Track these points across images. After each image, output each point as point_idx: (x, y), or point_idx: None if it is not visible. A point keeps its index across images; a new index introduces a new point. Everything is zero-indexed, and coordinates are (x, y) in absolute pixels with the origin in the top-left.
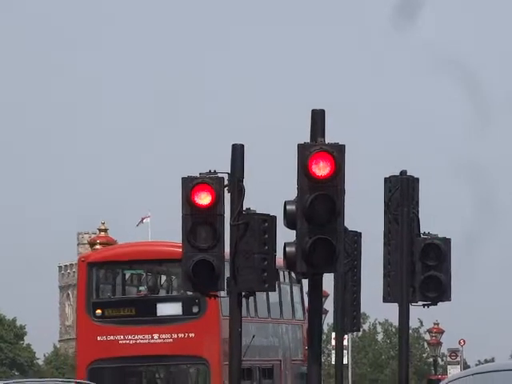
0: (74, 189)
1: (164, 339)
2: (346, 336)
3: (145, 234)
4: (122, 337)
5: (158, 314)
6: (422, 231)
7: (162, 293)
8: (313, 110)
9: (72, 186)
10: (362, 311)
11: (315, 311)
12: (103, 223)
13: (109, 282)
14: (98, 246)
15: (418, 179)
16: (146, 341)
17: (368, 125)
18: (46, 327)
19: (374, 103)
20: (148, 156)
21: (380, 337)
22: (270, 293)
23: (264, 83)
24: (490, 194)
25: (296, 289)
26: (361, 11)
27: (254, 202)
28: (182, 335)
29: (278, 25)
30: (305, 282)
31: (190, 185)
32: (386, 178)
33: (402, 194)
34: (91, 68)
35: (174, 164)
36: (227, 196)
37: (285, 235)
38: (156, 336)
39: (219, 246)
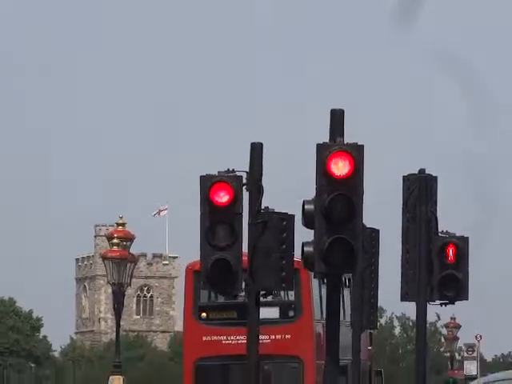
0: (91, 181)
1: (263, 340)
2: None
3: (162, 228)
4: (224, 337)
5: None
6: (439, 230)
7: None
8: (332, 110)
9: (90, 179)
10: (379, 305)
11: (334, 310)
12: (121, 217)
13: (205, 288)
14: (115, 240)
15: (436, 178)
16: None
17: (387, 124)
18: (62, 319)
19: (392, 102)
20: (168, 153)
21: (397, 331)
22: (343, 295)
23: (282, 82)
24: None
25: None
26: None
27: (272, 200)
28: (280, 337)
29: (293, 25)
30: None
31: (208, 183)
32: (404, 177)
33: (419, 192)
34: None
35: (193, 162)
36: (245, 195)
37: (303, 235)
38: None
39: (237, 245)
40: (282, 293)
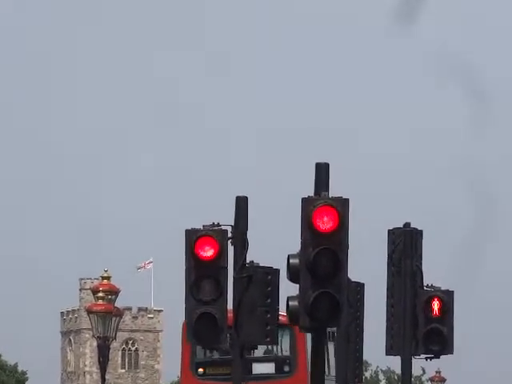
0: (76, 235)
1: None
2: None
3: (147, 281)
4: None
5: (254, 373)
6: (425, 284)
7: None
8: (317, 164)
9: (75, 232)
10: (364, 359)
11: (318, 364)
12: (106, 271)
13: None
14: (100, 294)
15: (421, 232)
16: None
17: (372, 177)
18: (47, 373)
19: (377, 156)
20: (152, 206)
21: None
22: (330, 350)
23: (268, 136)
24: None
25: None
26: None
27: (257, 254)
28: None
29: (278, 74)
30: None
31: (193, 237)
32: (389, 231)
33: (405, 246)
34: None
35: (178, 215)
36: (231, 248)
37: (288, 289)
38: None
39: (222, 299)
40: (276, 348)
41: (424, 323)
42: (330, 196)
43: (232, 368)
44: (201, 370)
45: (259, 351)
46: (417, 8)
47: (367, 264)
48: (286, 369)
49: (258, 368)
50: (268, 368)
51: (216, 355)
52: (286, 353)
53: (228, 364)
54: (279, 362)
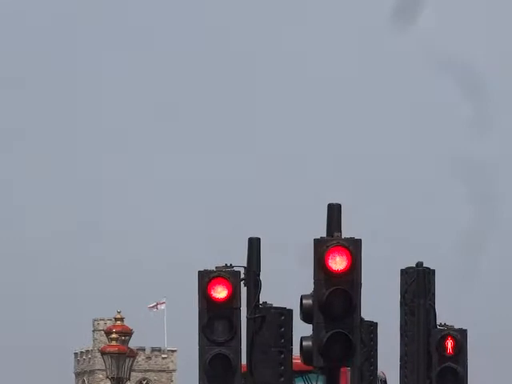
0: (90, 275)
1: None
2: None
3: (160, 322)
4: None
5: None
6: (438, 322)
7: None
8: (329, 205)
9: (89, 273)
10: None
11: None
12: (119, 312)
13: None
14: (114, 335)
15: (434, 271)
16: None
17: (385, 217)
18: None
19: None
20: (164, 248)
21: None
22: None
23: (280, 176)
24: None
25: None
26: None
27: (270, 295)
28: None
29: (287, 113)
30: None
31: (206, 279)
32: (402, 270)
33: (418, 285)
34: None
35: (191, 256)
36: (243, 289)
37: (301, 329)
38: None
39: (236, 340)
40: None
41: (438, 362)
42: (343, 237)
43: None
44: None
45: None
46: (416, 7)
47: (380, 303)
48: None
49: None
50: None
51: None
52: None
53: None
54: None
